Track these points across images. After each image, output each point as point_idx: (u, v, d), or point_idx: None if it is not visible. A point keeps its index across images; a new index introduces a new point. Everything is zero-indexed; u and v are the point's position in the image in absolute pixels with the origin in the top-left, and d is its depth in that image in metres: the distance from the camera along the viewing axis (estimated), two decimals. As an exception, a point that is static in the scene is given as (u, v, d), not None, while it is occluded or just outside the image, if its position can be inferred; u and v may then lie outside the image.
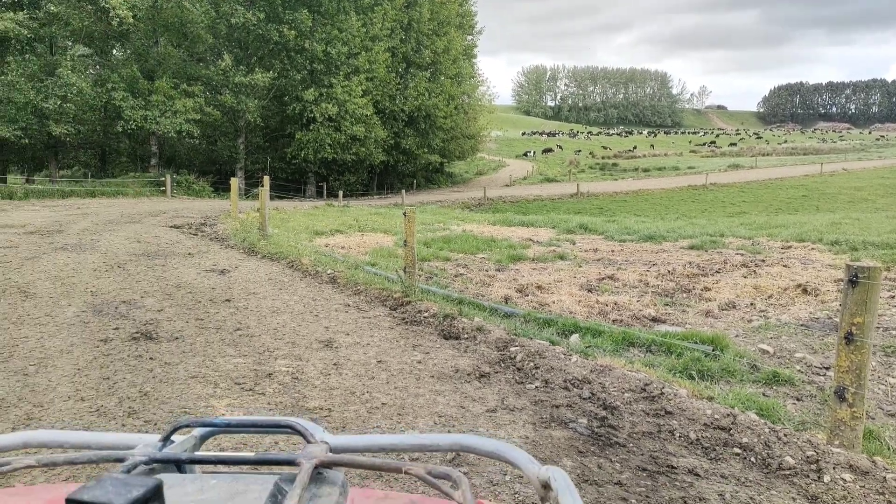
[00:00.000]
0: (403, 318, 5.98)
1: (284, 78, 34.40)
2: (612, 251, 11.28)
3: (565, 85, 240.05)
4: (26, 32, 25.06)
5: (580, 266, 9.49)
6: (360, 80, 34.91)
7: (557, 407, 3.89)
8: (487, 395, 4.08)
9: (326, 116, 33.61)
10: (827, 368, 5.12)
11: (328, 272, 8.16)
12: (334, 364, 4.53)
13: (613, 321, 6.49)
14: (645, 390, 4.11)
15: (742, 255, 10.51)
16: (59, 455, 0.78)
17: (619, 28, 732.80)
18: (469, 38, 51.84)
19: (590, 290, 7.79)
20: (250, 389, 3.94)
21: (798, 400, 4.57)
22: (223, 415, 3.53)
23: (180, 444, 0.85)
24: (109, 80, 28.84)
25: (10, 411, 3.51)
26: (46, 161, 31.64)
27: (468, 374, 4.44)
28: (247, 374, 4.22)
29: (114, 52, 33.13)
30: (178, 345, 4.85)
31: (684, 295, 7.67)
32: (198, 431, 0.90)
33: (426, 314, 6.02)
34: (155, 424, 3.38)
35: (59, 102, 25.67)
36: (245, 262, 9.00)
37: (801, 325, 6.40)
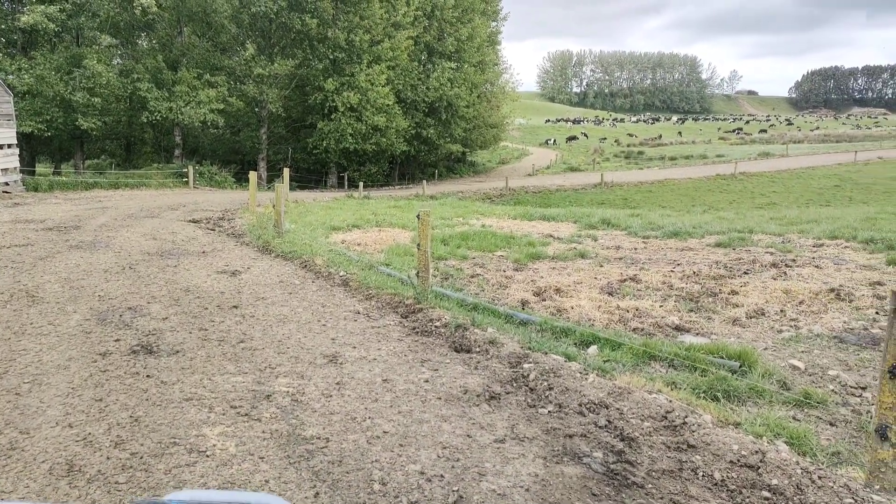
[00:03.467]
0: (414, 328, 5.75)
1: (306, 68, 34.25)
2: (636, 248, 10.91)
3: (591, 71, 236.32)
4: (53, 26, 25.15)
5: (601, 266, 9.17)
6: (383, 69, 34.59)
7: (571, 437, 3.63)
8: (497, 421, 3.84)
9: (348, 106, 33.40)
10: (863, 388, 4.79)
11: (341, 274, 7.97)
12: (337, 383, 4.32)
13: (634, 329, 6.19)
14: (666, 418, 3.83)
15: (772, 253, 10.07)
16: None
17: (651, 11, 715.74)
18: (493, 24, 51.02)
19: (610, 294, 7.49)
20: (246, 415, 3.75)
21: (831, 425, 4.27)
22: (213, 446, 3.35)
23: None
24: (135, 71, 28.97)
25: (-6, 439, 3.37)
26: (73, 151, 32.03)
27: (477, 396, 4.20)
28: (244, 396, 4.03)
29: (139, 42, 33.28)
30: (177, 360, 4.68)
31: (710, 299, 7.32)
32: None
33: (438, 323, 5.79)
34: (140, 458, 3.20)
35: (86, 95, 25.79)
36: (258, 262, 8.86)
37: (835, 336, 6.03)
